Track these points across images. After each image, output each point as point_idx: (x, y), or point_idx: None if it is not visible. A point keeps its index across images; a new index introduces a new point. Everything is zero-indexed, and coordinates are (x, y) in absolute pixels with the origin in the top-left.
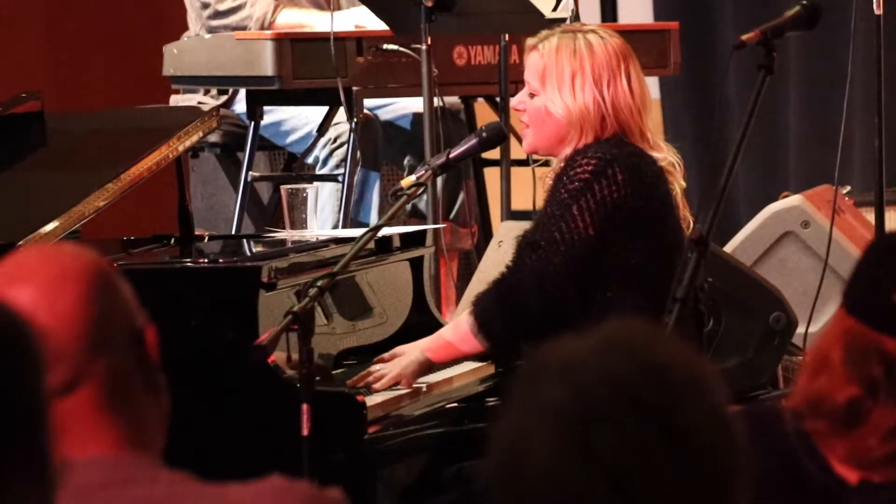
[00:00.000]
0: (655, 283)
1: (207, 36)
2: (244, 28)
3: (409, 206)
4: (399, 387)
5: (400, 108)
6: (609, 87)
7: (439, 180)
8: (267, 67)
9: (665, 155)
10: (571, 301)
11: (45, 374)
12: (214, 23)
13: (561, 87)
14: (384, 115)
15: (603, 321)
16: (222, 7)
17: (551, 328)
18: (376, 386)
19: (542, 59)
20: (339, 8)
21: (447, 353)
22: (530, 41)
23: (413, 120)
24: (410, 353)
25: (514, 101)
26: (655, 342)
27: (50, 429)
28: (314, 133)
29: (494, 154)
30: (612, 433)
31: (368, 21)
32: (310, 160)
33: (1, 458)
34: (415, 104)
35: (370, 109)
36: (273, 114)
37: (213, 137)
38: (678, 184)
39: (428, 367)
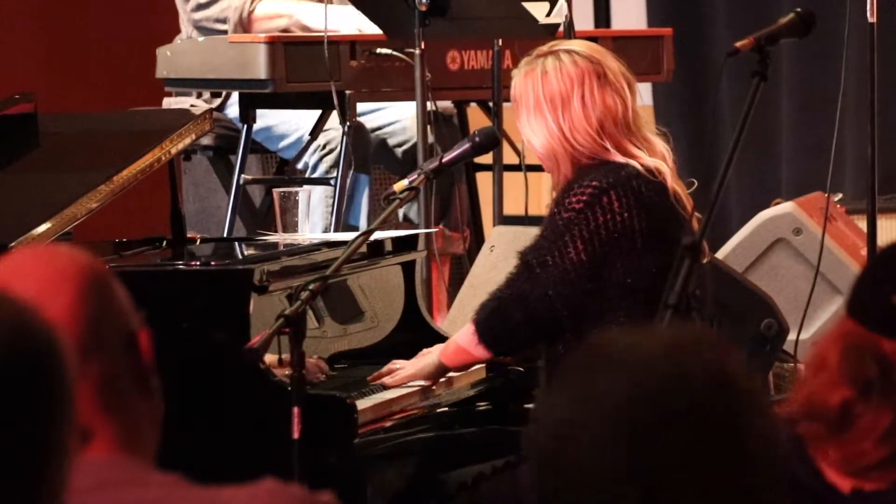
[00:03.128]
0: (652, 298)
1: (201, 39)
2: (224, 19)
3: (400, 211)
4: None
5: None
6: (565, 116)
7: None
8: (260, 70)
9: (649, 160)
10: (564, 318)
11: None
12: (197, 15)
13: (529, 119)
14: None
15: (594, 333)
16: None
17: (544, 340)
18: (388, 381)
19: (514, 91)
20: (331, 3)
21: (461, 359)
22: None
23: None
24: (428, 356)
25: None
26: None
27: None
28: (305, 138)
29: (487, 159)
30: (668, 438)
31: (342, 24)
32: (300, 166)
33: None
34: (404, 113)
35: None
36: (264, 118)
37: (206, 140)
38: (674, 181)
39: (443, 371)
